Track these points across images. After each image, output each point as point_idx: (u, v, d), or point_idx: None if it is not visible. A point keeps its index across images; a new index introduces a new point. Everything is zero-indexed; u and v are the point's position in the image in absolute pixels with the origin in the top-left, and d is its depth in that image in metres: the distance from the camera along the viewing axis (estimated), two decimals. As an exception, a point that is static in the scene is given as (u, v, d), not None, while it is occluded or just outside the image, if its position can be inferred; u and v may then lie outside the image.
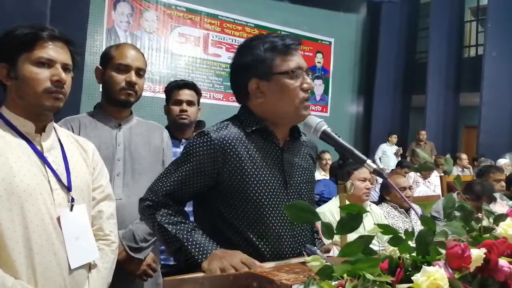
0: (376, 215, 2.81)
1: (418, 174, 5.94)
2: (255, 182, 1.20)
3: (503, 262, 0.76)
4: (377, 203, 3.34)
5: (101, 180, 1.39)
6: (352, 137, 9.84)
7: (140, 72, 1.69)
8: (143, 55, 1.75)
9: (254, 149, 1.23)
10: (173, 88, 2.16)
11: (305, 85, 1.24)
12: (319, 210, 2.71)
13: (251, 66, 1.25)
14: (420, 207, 3.31)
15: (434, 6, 9.19)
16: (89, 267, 1.29)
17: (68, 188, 1.24)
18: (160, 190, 1.23)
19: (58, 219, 1.20)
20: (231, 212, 1.21)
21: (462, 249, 0.71)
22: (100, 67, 1.71)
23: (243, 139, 1.23)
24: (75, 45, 1.29)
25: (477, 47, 9.93)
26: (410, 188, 3.31)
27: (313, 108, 9.03)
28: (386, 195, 3.25)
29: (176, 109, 2.11)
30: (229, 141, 1.21)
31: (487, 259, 0.75)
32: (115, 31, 6.98)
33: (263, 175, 1.21)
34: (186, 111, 2.10)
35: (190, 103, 2.13)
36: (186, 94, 2.13)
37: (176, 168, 1.23)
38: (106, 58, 1.69)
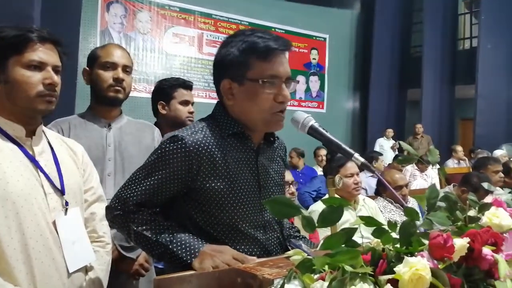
0: (371, 208, 2.82)
1: (415, 167, 5.95)
2: (230, 189, 1.15)
3: (486, 250, 0.76)
4: (375, 196, 3.34)
5: (92, 181, 1.39)
6: (349, 132, 9.86)
7: (127, 69, 1.70)
8: (128, 54, 1.75)
9: (230, 154, 1.17)
10: (176, 86, 2.09)
11: (279, 97, 1.15)
12: (312, 208, 2.71)
13: (226, 65, 1.18)
14: (416, 200, 3.34)
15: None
16: (86, 269, 1.28)
17: (61, 192, 1.23)
18: (130, 198, 1.16)
19: (54, 223, 1.19)
20: (204, 217, 1.17)
21: (444, 239, 0.71)
22: (87, 68, 1.72)
23: (219, 143, 1.16)
24: (63, 46, 1.27)
25: (471, 39, 9.95)
26: (406, 185, 3.29)
27: (309, 105, 9.04)
28: (383, 191, 3.25)
29: (184, 109, 2.07)
30: (205, 147, 1.14)
31: (471, 248, 0.75)
32: (108, 32, 6.97)
33: (238, 181, 1.16)
34: (193, 112, 2.10)
35: (193, 104, 2.13)
36: (191, 96, 2.13)
37: (147, 174, 1.16)
38: (93, 58, 1.70)
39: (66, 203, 1.23)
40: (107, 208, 1.23)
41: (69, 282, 1.20)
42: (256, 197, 1.20)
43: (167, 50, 7.52)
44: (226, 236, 1.16)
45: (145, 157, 1.70)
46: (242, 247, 1.16)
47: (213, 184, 1.14)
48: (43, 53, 1.20)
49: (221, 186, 1.14)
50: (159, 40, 7.44)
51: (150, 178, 1.15)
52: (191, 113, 2.09)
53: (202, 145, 1.14)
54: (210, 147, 1.14)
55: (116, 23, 7.04)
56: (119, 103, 1.72)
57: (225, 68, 1.19)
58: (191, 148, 1.12)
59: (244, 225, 1.17)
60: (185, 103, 2.08)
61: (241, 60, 1.15)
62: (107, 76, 1.66)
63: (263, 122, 1.17)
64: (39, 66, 1.19)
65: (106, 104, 1.70)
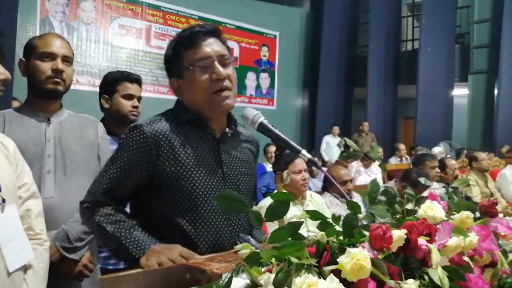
0: (318, 203, 2.90)
1: (360, 163, 6.18)
2: (190, 172, 1.18)
3: (421, 241, 0.81)
4: (322, 191, 3.43)
5: (25, 177, 1.32)
6: (298, 129, 10.06)
7: (67, 60, 1.61)
8: (69, 44, 1.67)
9: (189, 140, 1.21)
10: (120, 79, 2.01)
11: (213, 76, 1.20)
12: (261, 203, 2.74)
13: (167, 66, 1.28)
14: (361, 195, 3.48)
15: (373, 1, 9.55)
16: (25, 268, 1.23)
17: None
18: (98, 189, 1.21)
19: None
20: (167, 205, 1.19)
21: (383, 231, 0.75)
22: (23, 59, 1.62)
23: (177, 131, 1.21)
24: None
25: (413, 41, 10.47)
26: (351, 181, 3.42)
27: (259, 102, 9.12)
28: (329, 187, 3.35)
29: (127, 103, 1.99)
30: (162, 133, 1.19)
31: (408, 239, 0.80)
32: (49, 21, 6.61)
33: (198, 166, 1.19)
34: (138, 107, 2.02)
35: (140, 99, 2.05)
36: (137, 90, 2.04)
37: (110, 165, 1.22)
38: (29, 48, 1.60)
39: (3, 200, 1.17)
40: (80, 202, 1.24)
41: (9, 281, 1.15)
42: (221, 184, 1.22)
43: (113, 42, 7.26)
44: (189, 222, 1.17)
45: (88, 153, 1.65)
46: (201, 232, 1.17)
47: (172, 168, 1.18)
48: None
49: (181, 170, 1.18)
50: (104, 31, 7.15)
51: (113, 167, 1.20)
52: (135, 107, 2.00)
53: (160, 131, 1.19)
54: (168, 133, 1.20)
55: (57, 12, 6.69)
56: (59, 96, 1.62)
57: (168, 68, 1.28)
58: (149, 134, 1.18)
59: (206, 210, 1.18)
60: (129, 97, 2.00)
61: (175, 55, 1.24)
62: (45, 67, 1.56)
63: (208, 103, 1.22)
64: None
65: (44, 97, 1.60)
